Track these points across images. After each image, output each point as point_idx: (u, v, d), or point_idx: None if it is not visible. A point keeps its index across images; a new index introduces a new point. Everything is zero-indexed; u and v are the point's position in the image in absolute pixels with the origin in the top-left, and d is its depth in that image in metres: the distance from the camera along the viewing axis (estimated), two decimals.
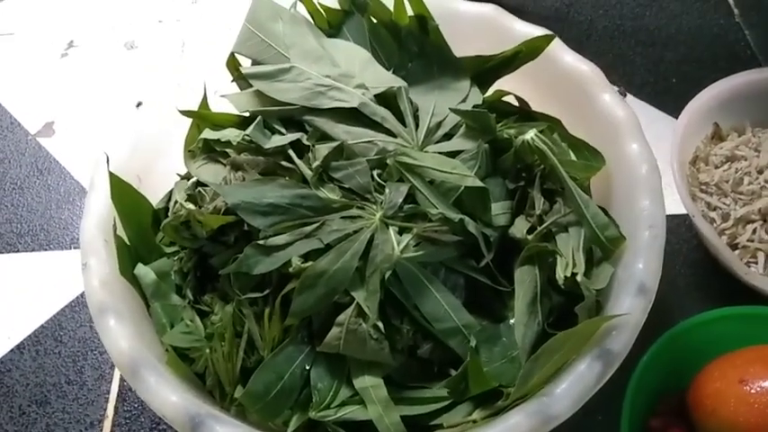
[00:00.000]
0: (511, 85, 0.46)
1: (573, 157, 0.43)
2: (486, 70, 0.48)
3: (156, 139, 0.46)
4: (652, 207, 0.39)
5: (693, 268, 0.50)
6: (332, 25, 0.47)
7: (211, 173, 0.42)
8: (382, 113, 0.42)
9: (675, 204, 0.48)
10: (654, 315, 0.43)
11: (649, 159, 0.40)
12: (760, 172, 0.47)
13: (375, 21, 0.46)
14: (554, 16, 0.67)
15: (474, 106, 0.44)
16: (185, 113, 0.44)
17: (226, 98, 0.43)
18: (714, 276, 0.49)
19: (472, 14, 0.50)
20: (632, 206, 0.39)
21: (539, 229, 0.40)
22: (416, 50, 0.47)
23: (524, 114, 0.48)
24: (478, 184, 0.41)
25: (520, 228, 0.41)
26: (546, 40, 0.46)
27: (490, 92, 0.47)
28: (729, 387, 0.37)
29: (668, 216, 0.49)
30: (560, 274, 0.37)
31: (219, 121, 0.45)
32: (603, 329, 0.35)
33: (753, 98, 0.52)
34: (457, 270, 0.41)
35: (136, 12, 0.70)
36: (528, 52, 0.47)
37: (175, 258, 0.44)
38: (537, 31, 0.47)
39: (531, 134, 0.42)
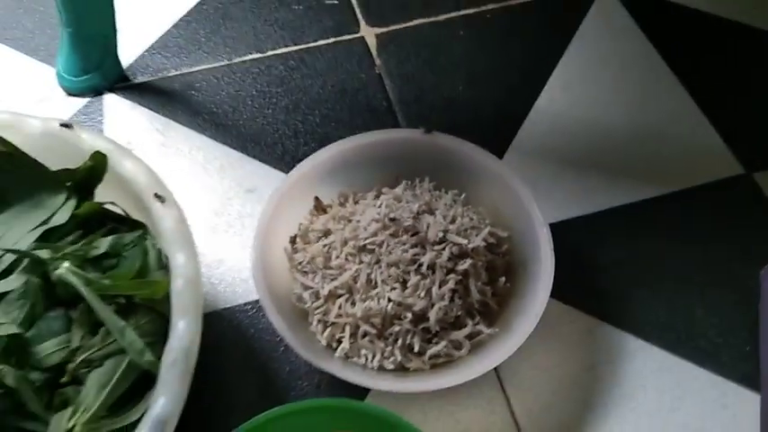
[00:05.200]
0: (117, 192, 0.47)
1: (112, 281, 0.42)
2: (80, 182, 0.48)
3: None
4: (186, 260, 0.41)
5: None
6: None
7: None
8: None
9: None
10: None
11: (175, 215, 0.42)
12: (344, 244, 0.48)
13: None
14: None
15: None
16: None
17: None
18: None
19: (40, 131, 0.48)
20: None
21: (68, 367, 0.39)
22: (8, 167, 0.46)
23: (122, 221, 0.49)
24: (12, 330, 0.39)
25: None
26: (101, 156, 0.46)
27: None
28: None
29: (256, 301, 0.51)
30: (63, 425, 0.36)
31: None
32: None
33: (354, 164, 0.53)
34: (7, 425, 0.39)
35: None
36: (98, 164, 0.47)
37: None
38: (101, 143, 0.47)
39: (62, 269, 0.41)
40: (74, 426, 0.36)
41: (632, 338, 0.51)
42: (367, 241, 0.47)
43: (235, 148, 0.63)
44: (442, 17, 0.72)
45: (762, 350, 0.49)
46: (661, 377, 0.50)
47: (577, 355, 0.51)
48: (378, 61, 0.69)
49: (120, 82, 0.68)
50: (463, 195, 0.53)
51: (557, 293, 0.48)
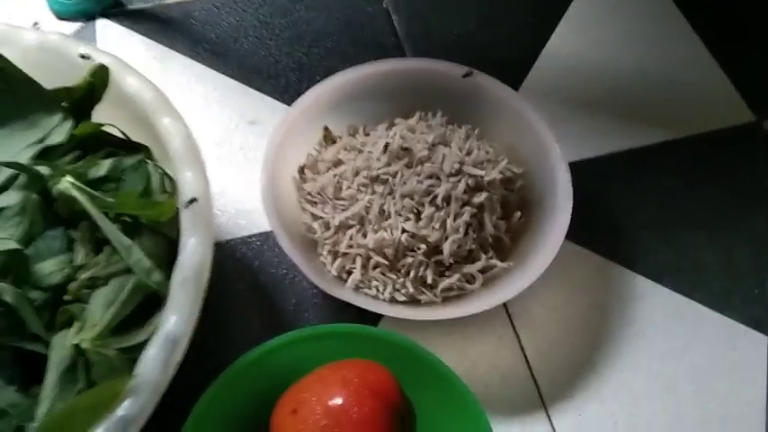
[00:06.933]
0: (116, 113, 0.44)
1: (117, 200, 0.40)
2: (77, 101, 0.46)
3: None
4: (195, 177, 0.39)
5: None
6: None
7: None
8: None
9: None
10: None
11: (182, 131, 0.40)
12: (356, 174, 0.46)
13: None
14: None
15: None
16: None
17: None
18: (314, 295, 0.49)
19: (36, 44, 0.45)
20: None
21: (72, 285, 0.37)
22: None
23: (122, 145, 0.47)
24: (11, 246, 0.37)
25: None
26: (103, 70, 0.43)
27: None
28: (285, 420, 0.36)
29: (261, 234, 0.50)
30: (69, 341, 0.34)
31: None
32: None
33: (364, 94, 0.51)
34: (5, 344, 0.37)
35: None
36: (99, 81, 0.45)
37: None
38: (102, 57, 0.44)
39: (65, 183, 0.39)
40: (80, 341, 0.34)
41: (643, 279, 0.51)
42: (380, 171, 0.45)
43: (236, 79, 0.60)
44: None
45: None
46: (671, 318, 0.49)
47: (588, 295, 0.50)
48: None
49: (114, 7, 0.64)
50: (477, 130, 0.51)
51: (568, 233, 0.47)
